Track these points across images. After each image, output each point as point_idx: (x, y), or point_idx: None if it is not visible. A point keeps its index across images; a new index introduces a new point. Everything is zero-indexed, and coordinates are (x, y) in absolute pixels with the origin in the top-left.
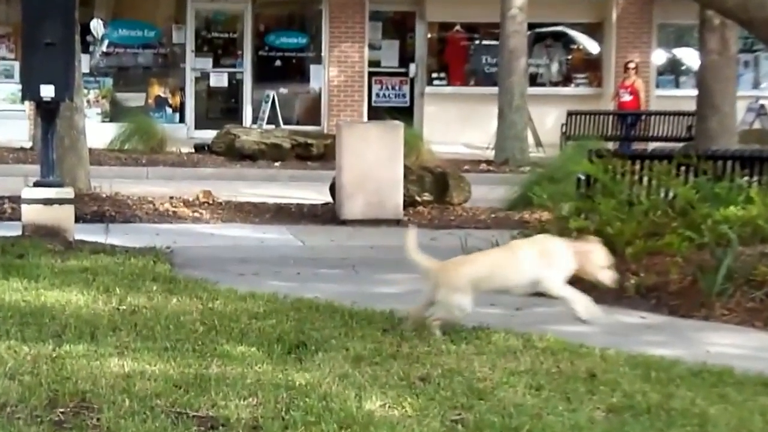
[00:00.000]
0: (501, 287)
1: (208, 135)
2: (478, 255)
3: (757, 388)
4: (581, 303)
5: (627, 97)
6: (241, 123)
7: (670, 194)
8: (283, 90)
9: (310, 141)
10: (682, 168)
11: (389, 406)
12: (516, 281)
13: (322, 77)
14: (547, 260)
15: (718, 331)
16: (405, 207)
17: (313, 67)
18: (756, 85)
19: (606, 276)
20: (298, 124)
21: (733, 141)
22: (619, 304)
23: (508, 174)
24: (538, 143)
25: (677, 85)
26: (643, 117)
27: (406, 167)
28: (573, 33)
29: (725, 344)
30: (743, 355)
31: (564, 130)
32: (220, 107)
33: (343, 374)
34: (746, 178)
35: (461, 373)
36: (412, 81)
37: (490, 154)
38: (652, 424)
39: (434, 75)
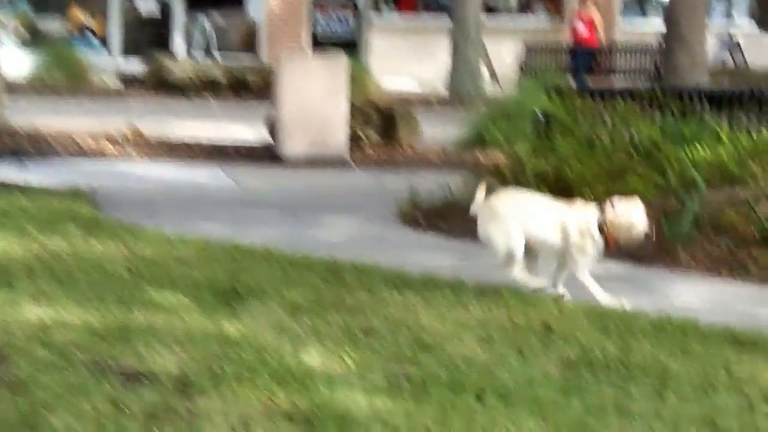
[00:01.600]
0: (530, 234)
1: (136, 66)
2: (529, 192)
3: (722, 342)
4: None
5: (582, 29)
6: (172, 53)
7: (634, 134)
8: (218, 18)
9: (247, 74)
10: (647, 106)
11: (329, 360)
12: (542, 236)
13: (261, 5)
14: (583, 241)
15: (682, 280)
16: (350, 146)
17: None
18: (729, 17)
19: (635, 230)
20: (234, 56)
21: (703, 77)
22: None
23: (461, 111)
24: (494, 79)
25: (644, 14)
26: (606, 51)
27: (351, 104)
28: None
29: (690, 295)
30: (708, 306)
31: (521, 64)
32: (149, 36)
33: (279, 325)
34: (715, 117)
35: (407, 325)
36: (358, 11)
37: (442, 89)
38: (610, 379)
39: (382, 4)
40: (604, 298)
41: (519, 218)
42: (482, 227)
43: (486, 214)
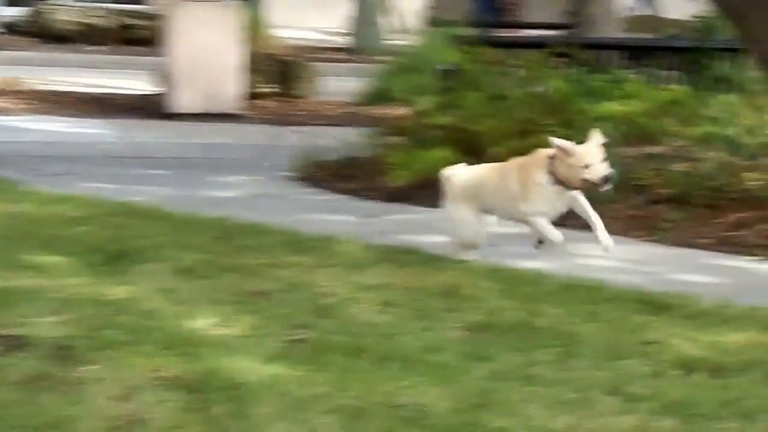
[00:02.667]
0: (489, 207)
1: (15, 12)
2: (483, 165)
3: (632, 305)
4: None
5: None
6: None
7: (545, 88)
8: None
9: (135, 22)
10: (559, 58)
11: (221, 325)
12: (496, 202)
13: None
14: (527, 191)
15: (593, 241)
16: (246, 99)
17: None
18: None
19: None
20: (121, 2)
21: (617, 28)
22: None
23: (364, 64)
24: (401, 29)
25: None
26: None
27: (247, 55)
28: None
29: (601, 256)
30: (620, 268)
31: (429, 14)
32: None
33: (167, 288)
34: (629, 70)
35: (303, 288)
36: None
37: (345, 40)
38: (516, 344)
39: None
40: (555, 236)
41: (479, 202)
42: (445, 206)
43: (450, 194)
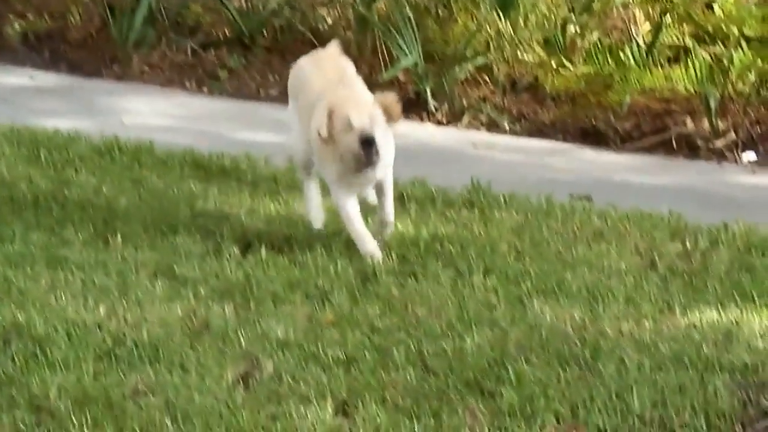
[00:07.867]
0: None
1: None
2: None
3: (183, 171)
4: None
5: None
6: None
7: None
8: None
9: None
10: None
11: None
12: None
13: None
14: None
15: (135, 94)
16: None
17: None
18: None
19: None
20: None
21: None
22: None
23: None
24: None
25: None
26: None
27: None
28: None
29: (145, 112)
30: (168, 126)
31: None
32: None
33: None
34: None
35: None
36: None
37: None
38: (40, 221)
39: None
40: (365, 245)
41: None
42: None
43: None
